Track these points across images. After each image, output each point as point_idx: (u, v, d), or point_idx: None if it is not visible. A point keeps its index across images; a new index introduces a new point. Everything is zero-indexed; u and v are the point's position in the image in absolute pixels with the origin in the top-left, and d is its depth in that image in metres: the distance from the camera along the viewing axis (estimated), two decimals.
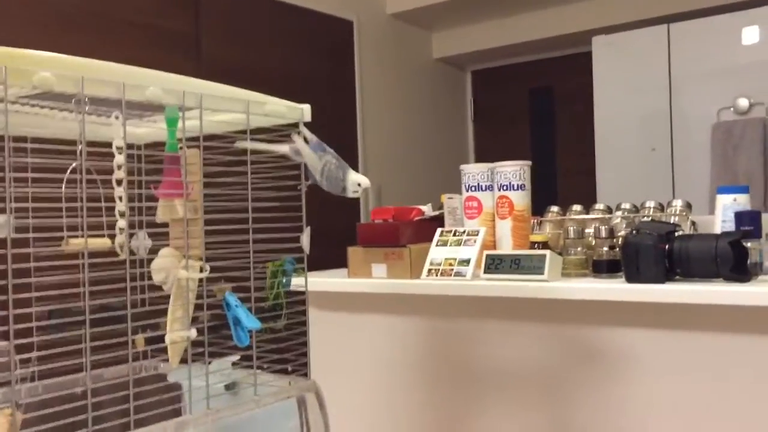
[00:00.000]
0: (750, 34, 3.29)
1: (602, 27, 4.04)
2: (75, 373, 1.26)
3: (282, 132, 1.25)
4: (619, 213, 1.94)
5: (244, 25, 3.35)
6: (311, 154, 1.21)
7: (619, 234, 1.87)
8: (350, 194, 1.24)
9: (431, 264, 1.94)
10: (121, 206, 1.21)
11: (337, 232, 2.36)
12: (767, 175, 3.19)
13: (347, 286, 2.04)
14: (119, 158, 1.22)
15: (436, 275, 1.91)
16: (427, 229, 2.07)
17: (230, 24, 3.29)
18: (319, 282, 2.08)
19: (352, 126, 3.95)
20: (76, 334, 0.96)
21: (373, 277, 2.03)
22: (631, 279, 1.64)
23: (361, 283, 2.02)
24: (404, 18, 4.32)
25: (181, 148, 1.17)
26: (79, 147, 1.08)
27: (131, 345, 0.94)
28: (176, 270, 1.06)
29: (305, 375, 1.22)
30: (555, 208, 2.04)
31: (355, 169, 3.89)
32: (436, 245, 1.98)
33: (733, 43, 3.34)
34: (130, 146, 1.43)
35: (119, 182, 1.22)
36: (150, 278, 1.12)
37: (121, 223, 1.22)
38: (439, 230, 2.01)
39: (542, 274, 1.75)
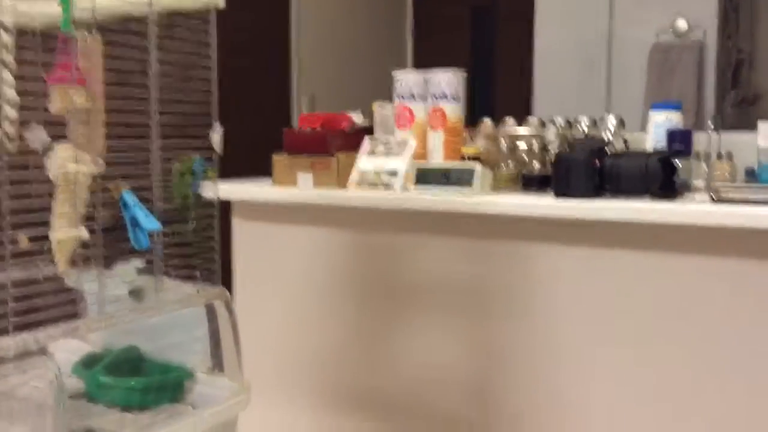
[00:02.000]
0: None
1: None
2: None
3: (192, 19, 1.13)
4: (552, 128, 1.89)
5: None
6: None
7: (551, 149, 1.83)
8: None
9: (359, 174, 1.87)
10: (9, 93, 1.09)
11: (264, 138, 2.25)
12: (700, 97, 3.20)
13: (271, 194, 1.96)
14: (5, 37, 1.08)
15: (365, 186, 1.84)
16: (356, 138, 1.98)
17: None
18: (241, 190, 1.99)
19: (285, 29, 3.78)
20: None
21: (298, 186, 1.94)
22: (560, 194, 1.60)
23: (285, 193, 1.93)
24: None
25: (75, 28, 1.05)
26: None
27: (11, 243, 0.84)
28: (68, 164, 0.96)
29: (214, 282, 1.14)
30: (488, 121, 1.98)
31: (288, 75, 3.74)
32: (365, 155, 1.90)
33: None
34: (22, 29, 1.28)
35: (4, 64, 1.09)
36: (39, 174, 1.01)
37: (10, 112, 1.10)
38: (367, 139, 1.93)
39: (471, 187, 1.70)
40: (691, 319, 1.50)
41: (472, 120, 1.99)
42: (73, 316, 1.08)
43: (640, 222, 1.51)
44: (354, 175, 1.87)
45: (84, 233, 0.94)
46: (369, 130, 2.04)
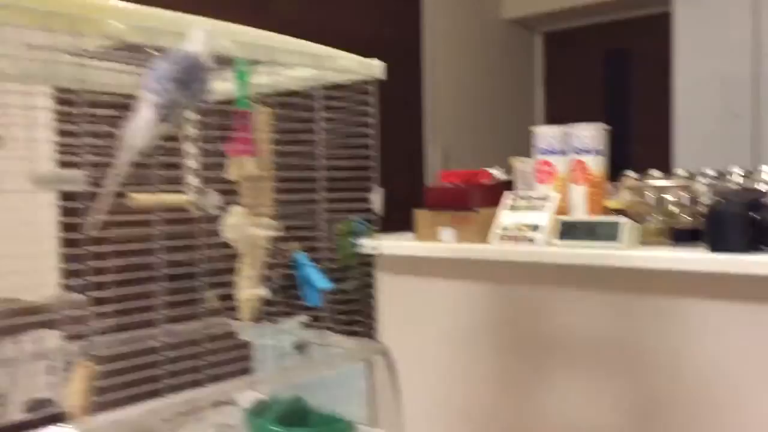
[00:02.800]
0: None
1: None
2: (148, 327, 1.27)
3: (352, 89, 1.21)
4: (701, 179, 1.84)
5: None
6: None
7: (700, 200, 1.78)
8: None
9: (501, 229, 1.89)
10: (192, 163, 1.20)
11: (399, 193, 2.32)
12: None
13: (414, 249, 2.01)
14: (190, 114, 1.21)
15: (507, 240, 1.86)
16: (496, 193, 2.01)
17: None
18: (385, 244, 2.06)
19: (417, 87, 3.90)
20: (154, 290, 0.96)
21: (440, 240, 1.99)
22: (715, 248, 1.55)
23: (428, 247, 1.98)
24: None
25: (251, 103, 1.15)
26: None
27: (205, 302, 0.93)
28: (247, 228, 1.05)
29: (372, 337, 1.19)
30: (632, 174, 1.95)
31: (420, 131, 3.83)
32: (507, 210, 1.92)
33: None
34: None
35: (189, 139, 1.21)
36: (219, 236, 1.11)
37: (192, 180, 1.21)
38: (509, 194, 1.95)
39: (619, 241, 1.68)
40: None
41: (612, 171, 1.97)
42: (246, 368, 1.17)
43: None
44: (496, 230, 1.89)
45: (265, 292, 1.02)
46: (508, 185, 2.06)
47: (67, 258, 0.88)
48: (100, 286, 0.94)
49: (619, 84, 4.56)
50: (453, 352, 2.00)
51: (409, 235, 2.12)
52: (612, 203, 1.84)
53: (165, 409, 0.86)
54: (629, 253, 1.64)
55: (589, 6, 4.30)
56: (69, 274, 0.88)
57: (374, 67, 1.18)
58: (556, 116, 4.83)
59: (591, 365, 1.77)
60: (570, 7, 4.33)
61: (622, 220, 1.70)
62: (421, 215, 2.05)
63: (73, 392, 0.81)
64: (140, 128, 0.89)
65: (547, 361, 1.84)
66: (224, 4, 2.96)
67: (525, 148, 2.05)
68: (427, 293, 2.06)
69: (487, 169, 2.12)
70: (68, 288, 0.86)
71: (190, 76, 0.91)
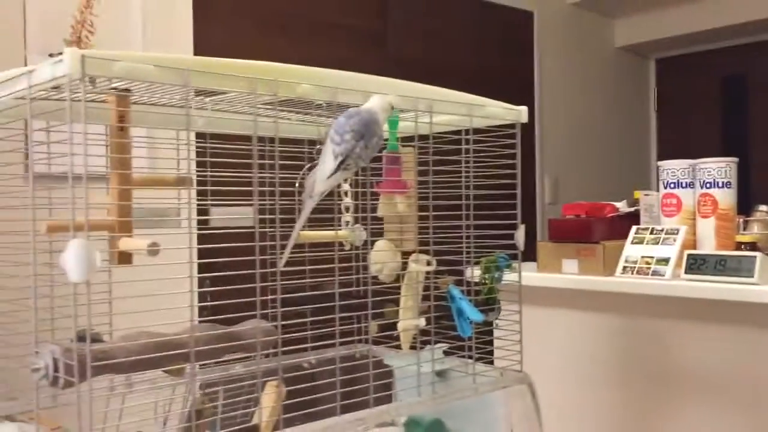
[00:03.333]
0: None
1: None
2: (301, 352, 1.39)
3: (498, 132, 1.29)
4: None
5: (426, 21, 3.43)
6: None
7: None
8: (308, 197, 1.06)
9: (626, 261, 1.91)
10: (347, 201, 1.31)
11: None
12: None
13: (538, 280, 2.06)
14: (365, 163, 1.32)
15: (632, 273, 1.88)
16: (619, 226, 2.04)
17: (413, 20, 3.38)
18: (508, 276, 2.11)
19: (530, 118, 3.93)
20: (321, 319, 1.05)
21: (563, 272, 2.03)
22: None
23: (553, 278, 2.02)
24: (585, 6, 4.22)
25: (403, 146, 1.25)
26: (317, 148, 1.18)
27: (367, 331, 1.02)
28: (396, 263, 1.14)
29: (511, 366, 1.26)
30: (764, 207, 1.93)
31: (533, 161, 3.86)
32: (632, 243, 1.94)
33: None
34: None
35: (346, 180, 1.32)
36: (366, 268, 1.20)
37: (347, 216, 1.32)
38: (634, 228, 1.97)
39: (752, 276, 1.67)
40: None
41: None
42: (389, 394, 1.26)
43: None
44: (622, 262, 1.92)
45: (422, 322, 1.11)
46: (634, 218, 2.08)
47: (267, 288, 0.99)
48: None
49: (735, 110, 4.44)
50: (574, 382, 2.03)
51: (529, 264, 2.16)
52: (744, 237, 1.83)
53: (338, 426, 0.95)
54: (763, 288, 1.63)
55: (703, 32, 4.23)
56: (265, 304, 0.99)
57: (519, 113, 1.26)
58: (669, 143, 4.75)
59: (717, 401, 1.76)
60: (683, 33, 4.27)
61: (756, 254, 1.69)
62: (543, 247, 2.10)
63: (265, 410, 0.91)
64: (325, 175, 1.01)
65: (671, 395, 1.84)
66: (349, 41, 3.12)
67: (638, 177, 2.07)
68: (548, 323, 2.10)
69: (612, 202, 2.15)
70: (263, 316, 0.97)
71: (368, 130, 1.02)
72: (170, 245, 0.90)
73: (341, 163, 1.01)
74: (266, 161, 1.05)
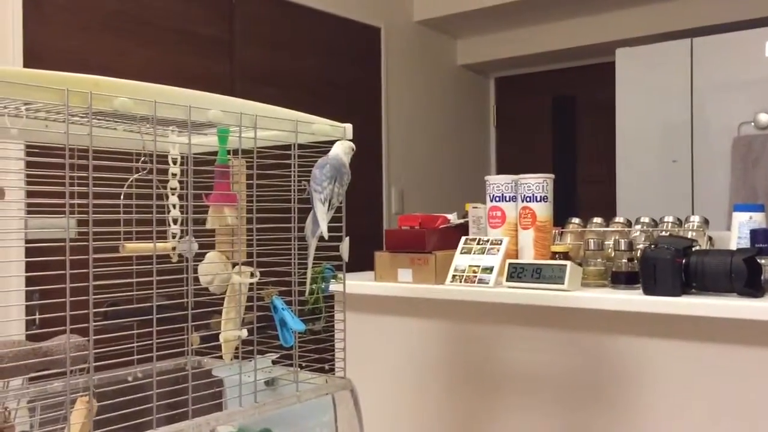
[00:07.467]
0: None
1: (626, 39, 4.09)
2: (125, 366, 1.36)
3: (321, 149, 1.34)
4: (638, 227, 2.01)
5: (274, 31, 3.45)
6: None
7: (638, 247, 1.94)
8: (311, 237, 1.31)
9: (455, 270, 2.03)
10: (174, 213, 1.31)
11: (360, 233, 2.44)
12: None
13: (374, 289, 2.13)
14: (174, 169, 1.32)
15: (460, 281, 2.00)
16: (451, 236, 2.15)
17: (261, 30, 3.39)
18: (349, 285, 2.17)
19: (377, 130, 4.05)
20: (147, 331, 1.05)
21: (399, 281, 2.11)
22: (648, 291, 1.71)
23: (387, 287, 2.11)
24: (430, 25, 4.41)
25: (230, 159, 1.27)
26: (140, 160, 1.18)
27: (189, 342, 1.03)
28: (226, 274, 1.16)
29: (334, 372, 1.31)
30: (576, 220, 2.11)
31: (380, 173, 3.98)
32: (461, 252, 2.06)
33: (755, 57, 3.39)
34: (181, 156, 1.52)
35: (173, 190, 1.31)
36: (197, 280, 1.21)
37: (174, 228, 1.32)
38: (463, 238, 2.10)
39: (563, 283, 1.83)
40: None
41: (558, 218, 2.13)
42: (219, 403, 1.27)
43: (726, 318, 1.60)
44: (451, 271, 2.03)
45: (244, 333, 1.13)
46: (462, 228, 2.21)
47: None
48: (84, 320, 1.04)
49: (565, 129, 4.80)
50: (407, 387, 2.12)
51: (369, 274, 2.24)
52: (558, 248, 1.99)
53: None
54: (571, 294, 1.79)
55: (539, 54, 4.54)
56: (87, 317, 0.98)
57: (344, 130, 1.32)
58: (506, 158, 5.05)
59: (536, 400, 1.91)
60: (521, 55, 4.57)
61: (566, 263, 1.85)
62: (380, 257, 2.18)
63: (74, 426, 0.90)
64: (319, 217, 1.27)
65: (495, 395, 1.97)
66: (196, 49, 3.07)
67: (477, 190, 2.20)
68: (384, 331, 2.18)
69: (443, 213, 2.27)
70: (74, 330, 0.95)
71: (338, 172, 1.31)
72: None
73: (329, 204, 1.28)
74: (83, 173, 1.04)
